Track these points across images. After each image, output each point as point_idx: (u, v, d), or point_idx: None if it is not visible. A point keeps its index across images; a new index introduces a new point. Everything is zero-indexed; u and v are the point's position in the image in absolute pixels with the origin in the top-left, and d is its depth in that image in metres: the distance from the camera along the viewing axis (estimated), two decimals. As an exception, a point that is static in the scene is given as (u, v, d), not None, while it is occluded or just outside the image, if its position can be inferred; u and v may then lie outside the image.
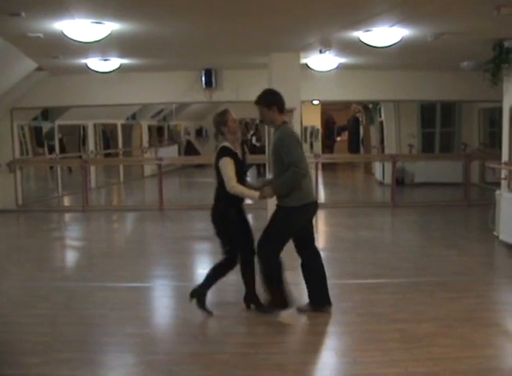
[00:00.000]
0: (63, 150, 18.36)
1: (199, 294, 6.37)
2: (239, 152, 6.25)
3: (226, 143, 6.18)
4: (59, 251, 10.76)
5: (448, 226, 11.89)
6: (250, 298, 6.47)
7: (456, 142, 18.16)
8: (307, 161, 6.19)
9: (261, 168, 20.01)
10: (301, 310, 6.33)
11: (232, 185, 6.01)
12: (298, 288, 6.60)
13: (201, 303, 6.34)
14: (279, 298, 6.20)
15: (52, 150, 17.53)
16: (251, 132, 23.41)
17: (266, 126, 10.97)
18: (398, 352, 5.28)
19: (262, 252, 6.18)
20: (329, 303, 6.44)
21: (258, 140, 22.08)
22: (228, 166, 6.01)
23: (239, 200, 6.25)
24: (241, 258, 6.36)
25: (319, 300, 6.46)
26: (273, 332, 5.94)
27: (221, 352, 5.45)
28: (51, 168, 17.65)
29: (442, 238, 10.58)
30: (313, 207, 6.31)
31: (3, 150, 13.81)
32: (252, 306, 6.48)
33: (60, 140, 18.48)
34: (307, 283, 6.54)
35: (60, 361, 5.22)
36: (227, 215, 6.22)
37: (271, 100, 6.18)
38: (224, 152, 6.11)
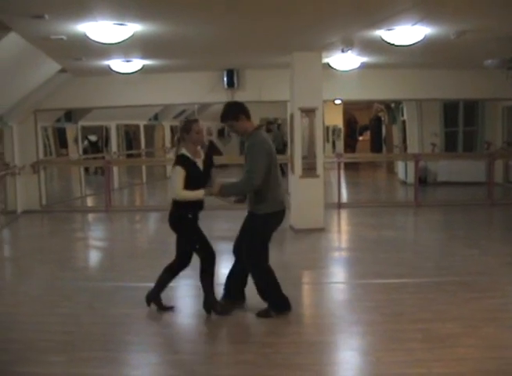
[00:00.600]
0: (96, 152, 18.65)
1: (154, 298, 6.52)
2: (199, 161, 6.28)
3: (184, 151, 6.22)
4: (83, 251, 10.83)
5: (471, 226, 11.80)
6: (209, 304, 6.47)
7: (479, 140, 18.01)
8: (276, 169, 6.26)
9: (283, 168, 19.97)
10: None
11: (177, 193, 6.14)
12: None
13: (160, 306, 6.51)
14: (278, 301, 6.32)
15: (84, 151, 17.78)
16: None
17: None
18: (421, 352, 5.26)
19: (250, 261, 6.30)
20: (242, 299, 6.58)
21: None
22: (178, 175, 6.09)
23: (196, 206, 6.34)
24: (201, 265, 6.47)
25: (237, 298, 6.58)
26: (296, 332, 5.95)
27: (244, 352, 5.46)
28: (86, 169, 17.81)
29: (465, 238, 10.51)
30: (283, 214, 6.41)
31: (27, 151, 13.91)
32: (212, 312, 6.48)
33: (95, 142, 18.78)
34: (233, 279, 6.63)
35: (83, 360, 5.27)
36: (185, 218, 6.32)
37: (235, 111, 6.24)
38: (179, 160, 6.17)
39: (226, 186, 6.17)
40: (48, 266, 9.01)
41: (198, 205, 6.34)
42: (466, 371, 4.83)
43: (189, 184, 6.10)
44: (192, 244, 6.43)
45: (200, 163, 6.29)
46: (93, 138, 20.85)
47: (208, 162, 6.40)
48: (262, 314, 6.29)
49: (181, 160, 6.16)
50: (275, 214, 6.24)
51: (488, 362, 5.01)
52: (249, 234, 6.34)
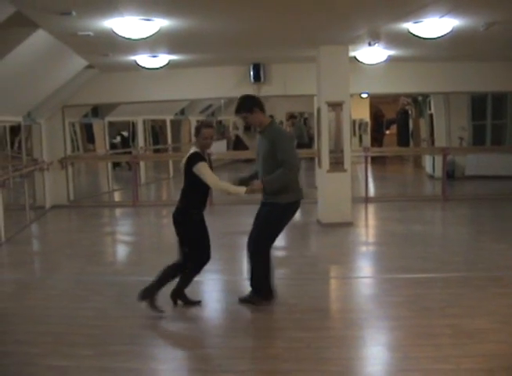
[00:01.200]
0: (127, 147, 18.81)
1: (150, 296, 6.36)
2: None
3: (197, 149, 6.28)
4: (110, 245, 10.92)
5: (499, 220, 11.70)
6: (179, 294, 6.53)
7: (508, 134, 17.80)
8: (298, 158, 6.42)
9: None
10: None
11: (214, 183, 6.15)
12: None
13: (152, 304, 6.35)
14: (267, 291, 6.41)
15: (113, 147, 17.92)
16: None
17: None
18: (450, 347, 5.21)
19: (256, 248, 6.39)
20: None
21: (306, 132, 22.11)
22: (204, 169, 6.13)
23: (201, 203, 6.36)
24: (187, 263, 6.42)
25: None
26: (324, 327, 5.94)
27: (272, 346, 5.47)
28: (116, 164, 17.90)
29: (493, 232, 10.41)
30: (299, 204, 6.48)
31: (55, 147, 14.06)
32: (179, 302, 6.55)
33: (127, 138, 18.94)
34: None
35: (112, 354, 5.31)
36: (189, 216, 6.31)
37: (250, 104, 6.33)
38: (196, 157, 6.21)
39: (268, 181, 6.17)
40: (76, 261, 9.09)
41: (204, 202, 6.39)
42: (495, 367, 4.77)
43: (200, 182, 6.15)
44: (188, 244, 6.39)
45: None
46: (125, 133, 21.01)
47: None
48: (244, 299, 6.45)
49: (198, 157, 6.21)
50: (295, 203, 6.35)
51: (518, 358, 4.96)
52: (264, 222, 6.38)
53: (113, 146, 19.95)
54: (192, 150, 6.32)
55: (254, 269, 6.43)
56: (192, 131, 6.39)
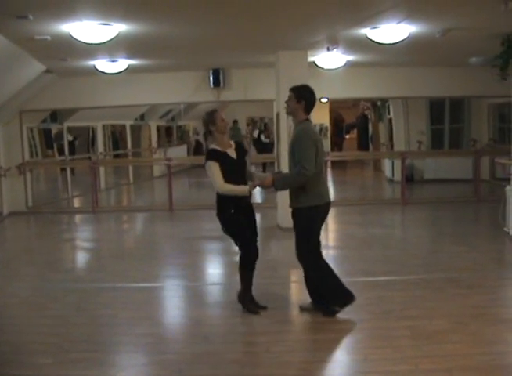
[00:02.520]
0: (73, 152, 18.47)
1: (243, 301, 6.36)
2: (230, 150, 6.27)
3: (214, 145, 6.22)
4: (70, 252, 10.79)
5: (458, 223, 11.85)
6: (241, 297, 6.43)
7: (466, 138, 18.09)
8: (322, 161, 6.23)
9: (266, 166, 20.15)
10: (303, 309, 6.38)
11: (219, 186, 6.10)
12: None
13: (249, 308, 6.31)
14: (340, 295, 6.22)
15: (62, 152, 17.60)
16: (257, 130, 23.57)
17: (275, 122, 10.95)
18: (409, 349, 5.27)
19: (305, 260, 6.19)
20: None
21: (267, 137, 22.30)
22: (212, 169, 6.09)
23: (235, 198, 6.20)
24: (239, 260, 6.35)
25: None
26: (283, 331, 5.94)
27: (231, 352, 5.46)
28: (62, 169, 17.63)
29: (452, 235, 10.55)
30: (328, 206, 6.33)
31: (13, 152, 13.85)
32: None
33: (71, 142, 18.58)
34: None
35: (71, 361, 5.25)
36: (225, 213, 6.24)
37: (303, 94, 6.17)
38: (209, 155, 6.16)
39: (279, 179, 6.10)
40: (35, 268, 8.97)
41: (238, 197, 6.21)
42: (454, 367, 4.84)
43: (226, 175, 6.06)
44: (236, 238, 6.30)
45: (231, 152, 6.27)
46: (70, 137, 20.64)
47: (241, 155, 6.36)
48: (324, 312, 6.23)
49: (210, 155, 6.14)
50: (320, 207, 6.13)
51: (476, 358, 5.03)
52: (297, 233, 6.19)
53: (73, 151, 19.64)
54: (210, 146, 6.22)
55: (314, 283, 6.24)
56: (203, 127, 6.17)
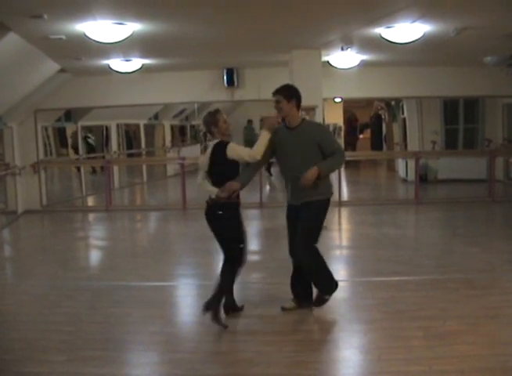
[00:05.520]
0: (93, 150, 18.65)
1: (215, 309, 6.03)
2: None
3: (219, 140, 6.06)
4: (84, 250, 10.83)
5: (471, 223, 11.79)
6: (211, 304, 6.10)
7: (480, 138, 17.96)
8: None
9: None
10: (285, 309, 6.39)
11: (253, 154, 5.97)
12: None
13: (218, 320, 6.02)
14: (331, 282, 6.25)
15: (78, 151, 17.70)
16: None
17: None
18: (422, 349, 5.25)
19: (307, 250, 6.12)
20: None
21: None
22: (236, 148, 5.97)
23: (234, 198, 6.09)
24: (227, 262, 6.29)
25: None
26: (297, 330, 5.96)
27: (244, 351, 5.47)
28: (78, 169, 17.71)
29: (466, 235, 10.49)
30: None
31: (27, 151, 13.92)
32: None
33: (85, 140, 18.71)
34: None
35: (84, 359, 5.27)
36: (228, 212, 6.12)
37: (291, 93, 6.15)
38: (222, 143, 5.98)
39: (323, 166, 5.97)
40: (49, 266, 9.01)
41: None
42: (467, 368, 4.82)
43: (226, 171, 5.98)
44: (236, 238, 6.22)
45: None
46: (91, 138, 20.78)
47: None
48: (319, 302, 6.28)
49: (223, 143, 5.98)
50: (329, 199, 6.27)
51: (489, 359, 5.01)
52: (309, 221, 6.11)
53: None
54: (215, 141, 6.04)
55: (311, 269, 6.18)
56: (204, 127, 6.02)
